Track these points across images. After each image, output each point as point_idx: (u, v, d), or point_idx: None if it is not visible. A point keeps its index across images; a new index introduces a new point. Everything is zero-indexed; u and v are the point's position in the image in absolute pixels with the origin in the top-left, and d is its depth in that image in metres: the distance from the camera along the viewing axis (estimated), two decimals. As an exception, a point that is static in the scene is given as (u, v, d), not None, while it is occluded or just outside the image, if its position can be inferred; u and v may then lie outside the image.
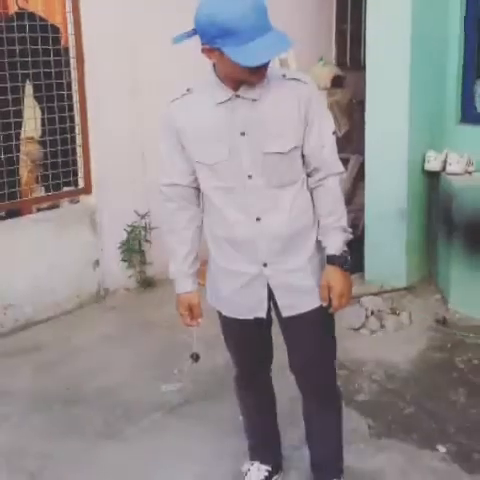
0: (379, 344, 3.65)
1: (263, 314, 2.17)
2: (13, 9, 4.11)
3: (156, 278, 4.53)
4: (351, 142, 5.02)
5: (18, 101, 4.10)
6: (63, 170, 4.24)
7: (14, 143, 4.11)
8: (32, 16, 4.06)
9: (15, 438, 2.92)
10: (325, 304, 2.12)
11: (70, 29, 4.14)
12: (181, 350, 3.29)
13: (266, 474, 2.50)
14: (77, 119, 4.25)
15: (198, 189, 2.16)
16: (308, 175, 2.11)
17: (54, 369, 3.51)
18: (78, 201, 4.43)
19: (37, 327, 4.02)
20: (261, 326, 2.22)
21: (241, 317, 2.19)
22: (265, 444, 2.54)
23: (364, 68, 4.27)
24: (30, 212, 4.29)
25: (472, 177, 4.01)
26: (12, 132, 4.06)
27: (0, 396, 3.25)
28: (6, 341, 3.85)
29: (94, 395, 3.24)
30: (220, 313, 2.26)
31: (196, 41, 1.88)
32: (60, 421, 3.03)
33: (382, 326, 3.82)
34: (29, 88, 4.24)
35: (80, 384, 3.35)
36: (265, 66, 1.90)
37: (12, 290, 3.92)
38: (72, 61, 4.18)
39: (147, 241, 4.53)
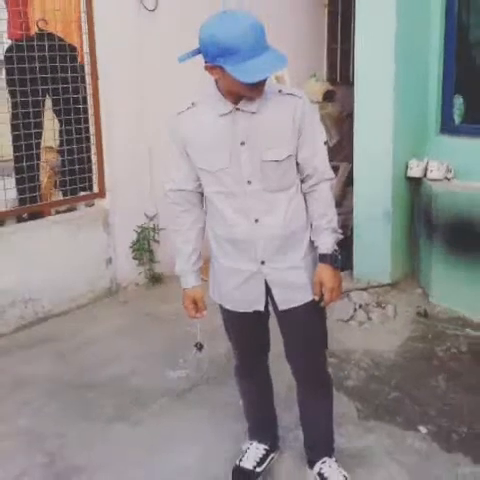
0: (366, 335, 3.65)
1: (261, 307, 2.17)
2: (34, 30, 4.11)
3: (164, 275, 4.53)
4: (341, 151, 5.02)
5: (38, 114, 4.11)
6: (79, 176, 4.25)
7: (35, 152, 4.11)
8: (51, 36, 4.06)
9: (35, 421, 2.92)
10: (317, 298, 2.12)
11: (86, 48, 4.15)
12: (186, 340, 3.30)
13: (264, 452, 2.49)
14: (92, 130, 4.25)
15: (201, 193, 2.16)
16: (302, 181, 2.11)
17: (70, 358, 3.50)
18: (93, 204, 4.43)
19: (55, 320, 4.02)
20: (259, 318, 2.22)
21: (241, 310, 2.19)
22: (263, 426, 2.54)
23: (353, 84, 4.27)
24: (49, 214, 4.29)
25: (451, 183, 4.01)
26: (33, 142, 4.06)
27: (21, 383, 3.25)
28: (27, 332, 3.84)
29: (106, 382, 3.24)
30: (222, 306, 2.26)
31: (200, 59, 1.88)
32: (75, 406, 3.03)
33: (369, 318, 3.81)
34: (48, 102, 4.25)
35: (94, 372, 3.34)
36: (263, 82, 1.90)
37: (33, 285, 3.92)
38: (87, 77, 4.18)
39: (155, 241, 4.53)
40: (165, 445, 2.69)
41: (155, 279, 4.55)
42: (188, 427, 2.81)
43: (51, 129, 4.26)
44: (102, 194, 4.35)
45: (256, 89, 1.91)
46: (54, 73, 4.01)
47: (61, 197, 4.41)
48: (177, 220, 2.21)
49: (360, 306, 3.88)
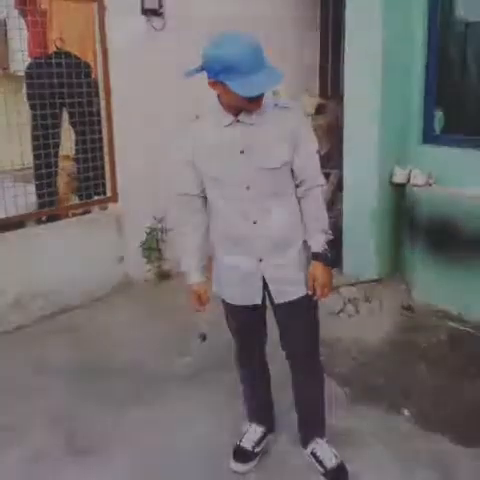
0: (355, 326, 3.65)
1: (259, 301, 2.18)
2: (52, 49, 4.11)
3: (171, 271, 4.52)
4: (331, 159, 5.01)
5: (56, 125, 4.10)
6: (94, 182, 4.25)
7: (53, 160, 4.11)
8: (68, 55, 4.06)
9: (55, 404, 2.93)
10: (310, 293, 2.13)
11: (99, 65, 4.15)
12: (191, 331, 3.30)
13: (261, 434, 2.50)
14: (105, 140, 4.26)
15: (205, 198, 2.17)
16: (296, 186, 2.11)
17: (87, 346, 3.51)
18: (106, 208, 4.43)
19: (72, 312, 4.01)
20: (257, 311, 2.23)
21: (241, 304, 2.20)
22: (260, 409, 2.54)
23: (342, 98, 4.28)
24: (66, 217, 4.29)
25: (432, 188, 4.01)
26: (51, 151, 4.06)
27: (43, 368, 3.26)
28: (48, 322, 3.84)
29: (120, 368, 3.25)
30: (223, 300, 2.27)
31: (203, 75, 1.89)
32: (92, 389, 3.04)
33: (357, 311, 3.82)
34: (65, 114, 4.25)
35: (108, 359, 3.35)
36: (261, 96, 1.91)
37: (52, 281, 3.92)
38: (101, 92, 4.18)
39: (163, 241, 4.52)
40: (173, 424, 2.71)
41: (163, 276, 4.55)
42: (194, 409, 2.82)
43: (68, 139, 4.26)
44: (115, 198, 4.35)
45: (255, 102, 1.91)
46: (70, 88, 4.01)
47: (77, 201, 4.41)
48: (183, 222, 2.22)
49: (349, 300, 3.88)
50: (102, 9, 4.04)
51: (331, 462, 2.34)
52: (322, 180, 2.13)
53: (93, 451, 2.57)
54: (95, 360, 3.34)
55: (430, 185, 4.04)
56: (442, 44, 4.16)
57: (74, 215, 4.36)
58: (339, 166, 4.49)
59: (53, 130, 4.03)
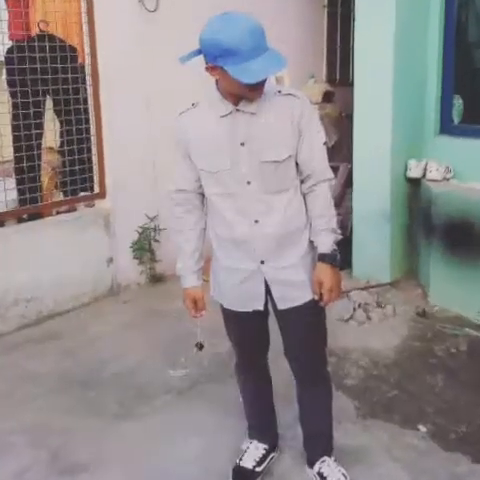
0: (365, 334, 3.65)
1: (260, 307, 2.17)
2: (35, 31, 4.11)
3: (164, 274, 4.53)
4: (340, 151, 5.02)
5: (39, 114, 4.10)
6: (80, 177, 4.25)
7: (36, 152, 4.11)
8: (52, 38, 4.07)
9: (40, 417, 2.92)
10: (317, 298, 2.12)
11: (86, 49, 4.16)
12: (187, 338, 3.29)
13: (263, 452, 2.49)
14: (92, 130, 4.26)
15: (203, 194, 2.17)
16: (301, 181, 2.11)
17: (75, 355, 3.51)
18: (93, 205, 4.43)
19: (58, 318, 4.02)
20: (259, 317, 2.23)
21: (241, 309, 2.19)
22: (263, 425, 2.54)
23: (352, 85, 4.28)
24: (50, 215, 4.29)
25: (449, 183, 4.01)
26: (34, 142, 4.06)
27: (28, 379, 3.26)
28: (31, 330, 3.84)
29: (110, 379, 3.25)
30: (222, 306, 2.26)
31: (201, 59, 1.89)
32: (80, 402, 3.04)
33: (368, 318, 3.82)
34: (49, 103, 4.25)
35: (98, 368, 3.35)
36: (262, 83, 1.91)
37: (35, 284, 3.93)
38: (88, 78, 4.19)
39: (156, 241, 4.53)
40: (167, 440, 2.70)
41: (156, 278, 4.56)
42: (189, 424, 2.82)
43: (52, 130, 4.27)
44: (103, 195, 4.35)
45: (256, 90, 1.91)
46: (55, 74, 4.02)
47: (62, 198, 4.41)
48: (179, 220, 2.22)
49: (359, 305, 3.88)
50: (89, -12, 4.05)
51: (340, 483, 2.34)
52: (330, 174, 2.12)
53: (80, 468, 2.56)
54: (82, 370, 3.34)
55: (448, 180, 4.04)
56: (461, 25, 4.16)
57: (58, 213, 4.36)
58: (348, 159, 4.49)
59: (36, 120, 4.03)
